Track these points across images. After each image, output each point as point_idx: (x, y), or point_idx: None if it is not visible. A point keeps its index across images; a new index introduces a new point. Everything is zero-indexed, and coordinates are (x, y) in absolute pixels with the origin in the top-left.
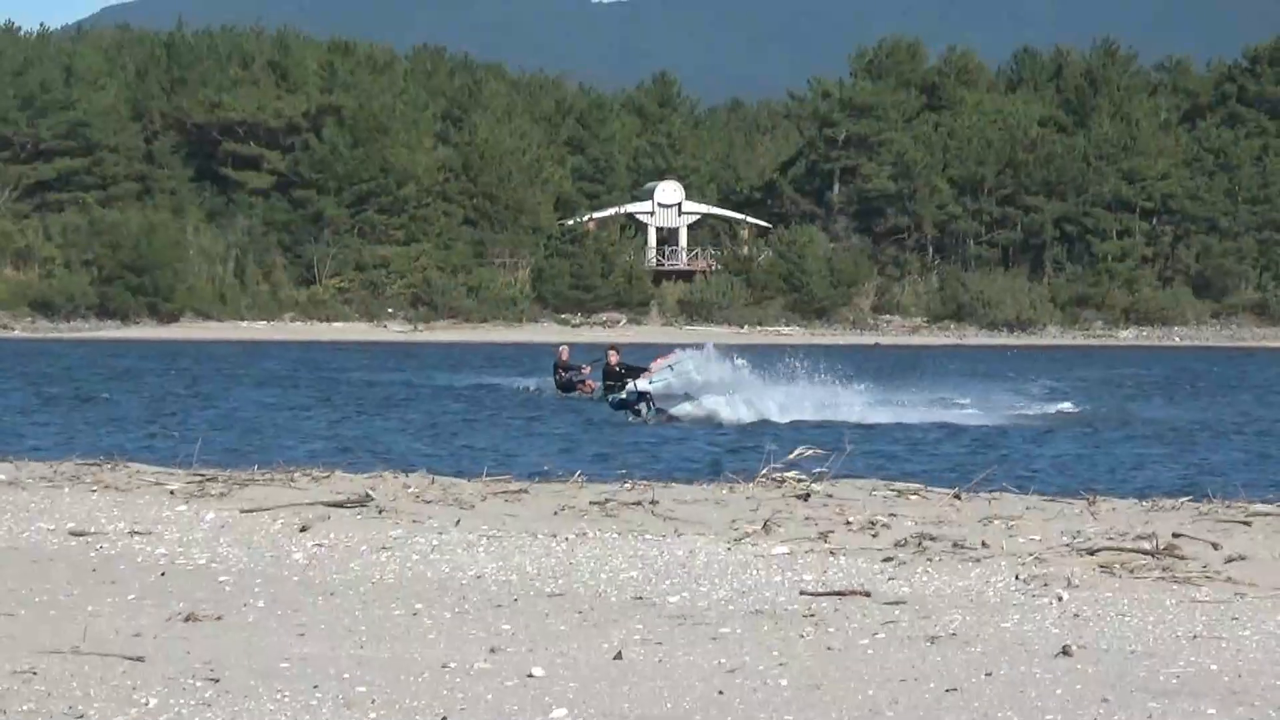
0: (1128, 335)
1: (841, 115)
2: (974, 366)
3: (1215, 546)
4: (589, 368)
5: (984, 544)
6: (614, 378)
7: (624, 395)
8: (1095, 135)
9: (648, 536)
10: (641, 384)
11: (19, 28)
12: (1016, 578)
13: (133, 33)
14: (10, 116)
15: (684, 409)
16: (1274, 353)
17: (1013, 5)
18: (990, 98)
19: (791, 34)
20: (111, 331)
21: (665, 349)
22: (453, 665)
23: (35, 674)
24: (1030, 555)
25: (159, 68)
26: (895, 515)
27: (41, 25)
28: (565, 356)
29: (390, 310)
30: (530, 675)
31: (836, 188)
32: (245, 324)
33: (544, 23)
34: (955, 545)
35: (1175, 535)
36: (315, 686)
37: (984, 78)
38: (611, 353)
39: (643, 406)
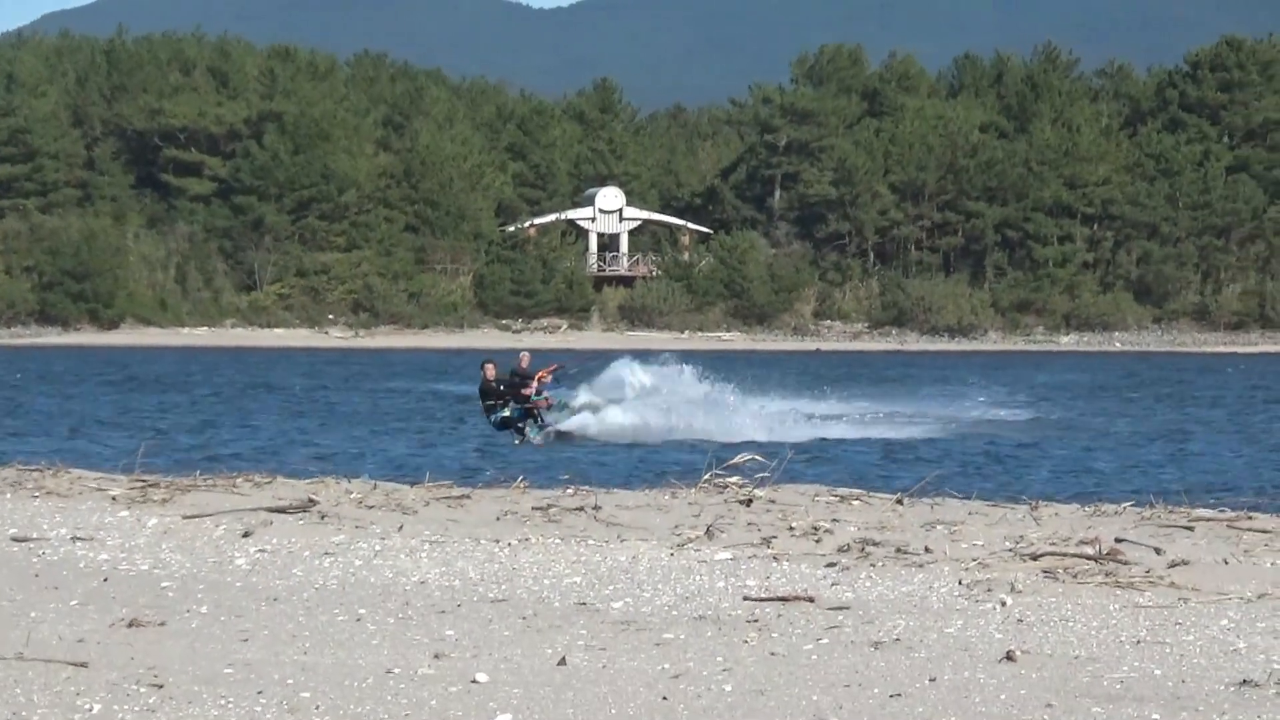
0: (1068, 341)
1: (783, 121)
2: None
3: (1158, 551)
4: (548, 374)
5: (927, 549)
6: (496, 395)
7: (508, 413)
8: (1036, 141)
9: (590, 542)
10: (553, 405)
11: None
12: (960, 583)
13: (74, 39)
14: None
15: (576, 422)
16: (1214, 358)
17: (954, 12)
18: (931, 104)
19: (732, 40)
20: (52, 338)
21: (582, 358)
22: (397, 671)
23: None
24: (973, 560)
25: (100, 74)
26: (838, 521)
27: None
28: (525, 364)
29: (331, 316)
30: (474, 681)
31: (778, 194)
32: (186, 330)
33: (484, 29)
34: (898, 550)
35: (1118, 540)
36: (259, 692)
37: (925, 84)
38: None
39: (527, 425)
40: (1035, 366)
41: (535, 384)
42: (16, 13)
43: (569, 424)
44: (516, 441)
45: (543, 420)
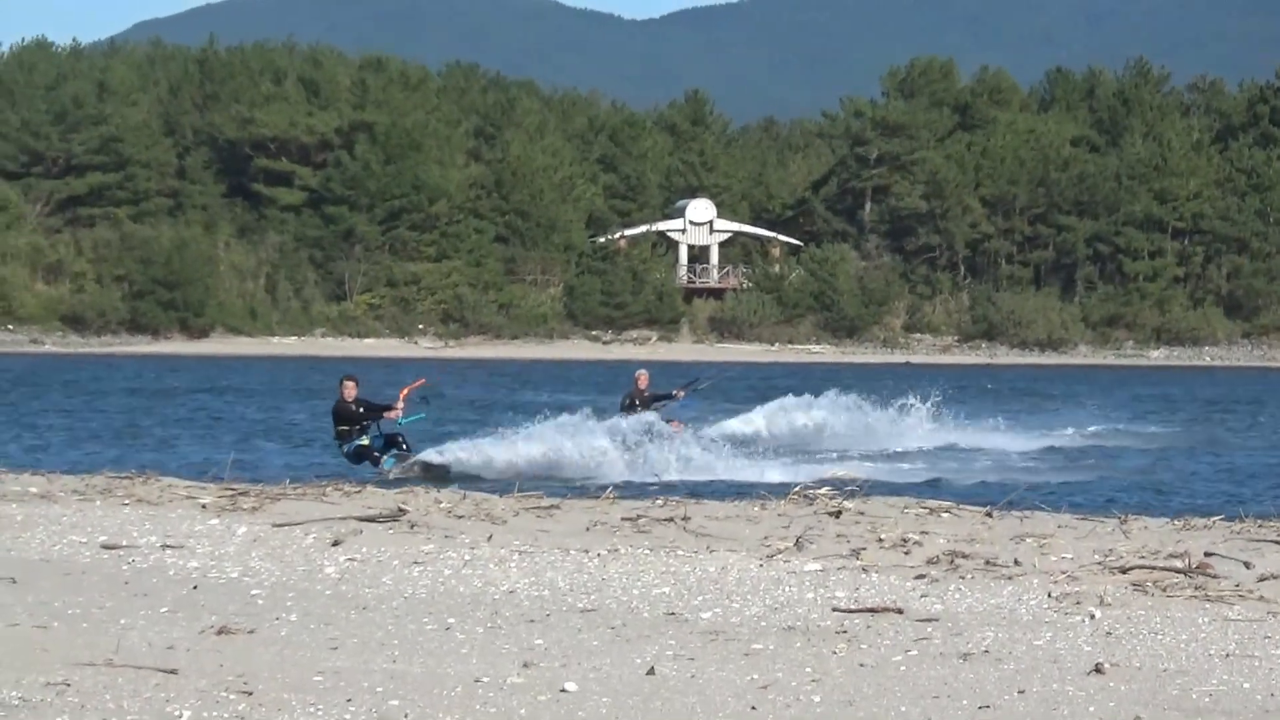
0: (1158, 355)
1: (874, 134)
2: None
3: (1247, 565)
4: (682, 392)
5: (1016, 562)
6: (354, 419)
7: (366, 441)
8: (1127, 155)
9: (680, 552)
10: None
11: (52, 43)
12: (1049, 595)
13: (166, 48)
14: (43, 131)
15: (453, 453)
16: None
17: (1045, 26)
18: (1023, 117)
19: (823, 53)
20: (142, 346)
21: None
22: (486, 680)
23: (69, 685)
24: (1062, 573)
25: (191, 83)
26: (927, 533)
27: (74, 40)
28: (644, 384)
29: (421, 327)
30: (563, 690)
31: (868, 206)
32: (276, 340)
33: (575, 40)
34: (987, 563)
35: (1207, 554)
36: (349, 700)
37: (1016, 97)
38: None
39: (387, 457)
40: (1126, 381)
41: (400, 405)
42: (109, 21)
43: (440, 457)
44: (380, 472)
45: (407, 447)
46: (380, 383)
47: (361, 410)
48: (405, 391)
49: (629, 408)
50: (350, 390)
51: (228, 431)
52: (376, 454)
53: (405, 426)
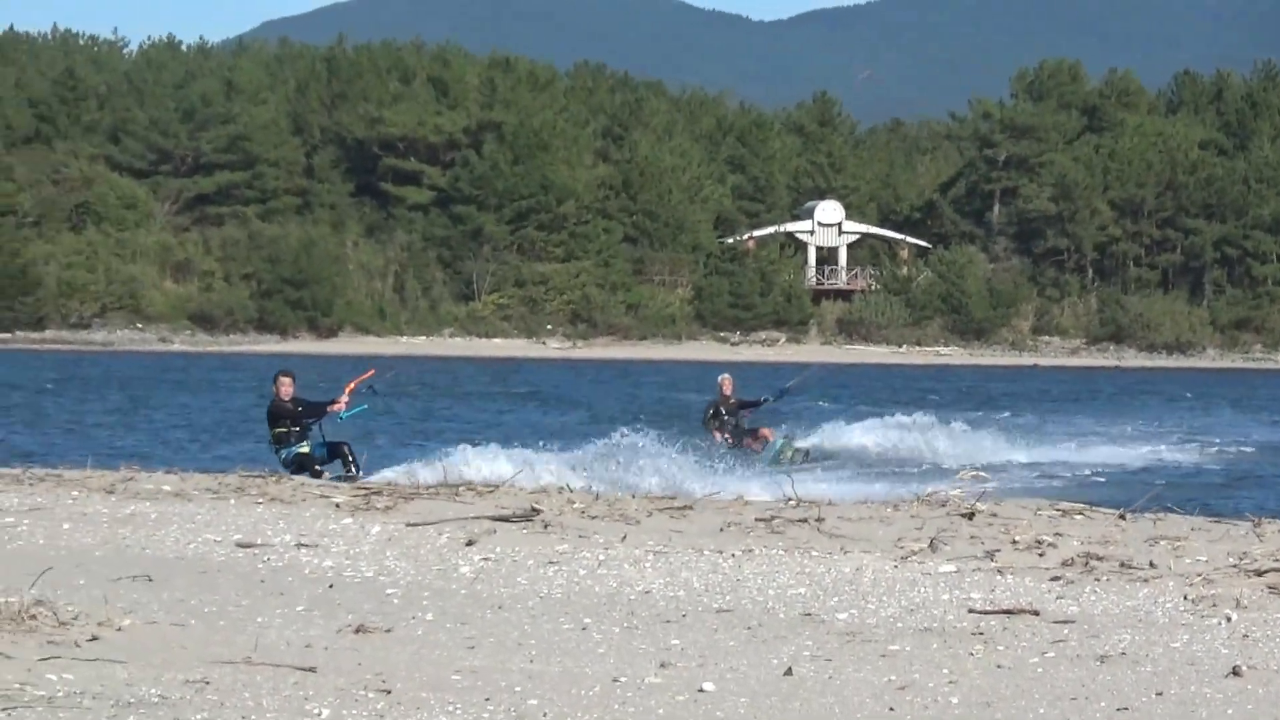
0: None
1: (1002, 136)
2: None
3: None
4: (770, 399)
5: (1151, 564)
6: (292, 419)
7: (305, 448)
8: (1255, 158)
9: (814, 553)
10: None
11: (180, 41)
12: (1185, 598)
13: (293, 47)
14: (171, 130)
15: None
16: None
17: (1173, 29)
18: (1151, 120)
19: (951, 55)
20: (270, 346)
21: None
22: (623, 680)
23: (208, 684)
24: (1198, 576)
25: (319, 82)
26: (1061, 535)
27: (202, 39)
28: (729, 390)
29: (549, 327)
30: (701, 690)
31: (996, 208)
32: (404, 339)
33: (703, 41)
34: (1122, 565)
35: None
36: (486, 699)
37: (1144, 100)
38: (724, 380)
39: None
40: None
41: (344, 399)
42: (236, 20)
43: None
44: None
45: (353, 460)
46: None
47: (300, 410)
48: (352, 385)
49: (714, 417)
50: (286, 388)
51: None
52: (318, 465)
53: (346, 420)
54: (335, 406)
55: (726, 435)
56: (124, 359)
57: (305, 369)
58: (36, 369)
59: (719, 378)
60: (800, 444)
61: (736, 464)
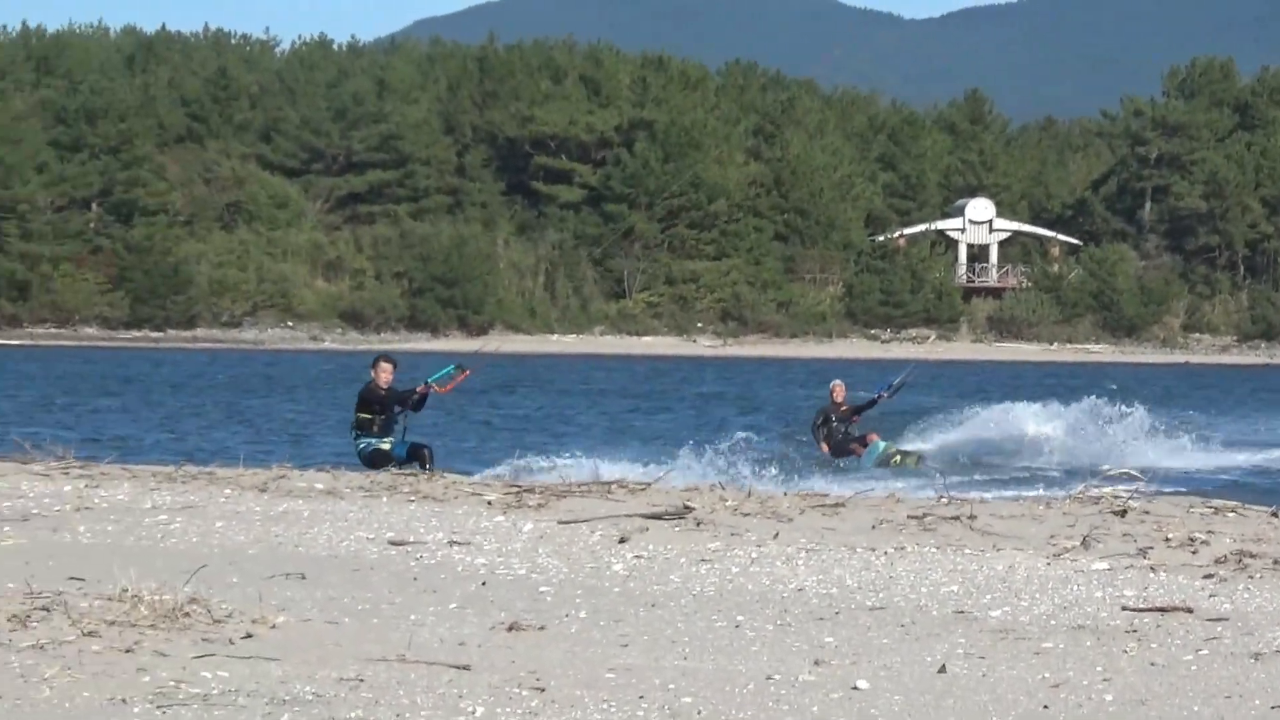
0: None
1: (1154, 134)
2: None
3: None
4: (887, 394)
5: None
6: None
7: (387, 446)
8: None
9: (966, 551)
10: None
11: (332, 40)
12: None
13: (445, 46)
14: (323, 129)
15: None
16: None
17: None
18: None
19: (1102, 52)
20: (421, 344)
21: None
22: (777, 677)
23: (362, 681)
24: None
25: (471, 81)
26: (1213, 532)
27: (354, 38)
28: (840, 397)
29: (700, 325)
30: (855, 688)
31: (1148, 206)
32: (555, 337)
33: (854, 39)
34: (1275, 563)
35: None
36: (640, 697)
37: None
38: (836, 386)
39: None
40: None
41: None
42: (388, 19)
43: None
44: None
45: (430, 462)
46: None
47: (390, 397)
48: (448, 387)
49: (824, 424)
50: (385, 374)
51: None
52: (394, 467)
53: (434, 383)
54: (422, 389)
55: (825, 444)
56: (281, 358)
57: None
58: (199, 367)
59: (831, 384)
60: (908, 448)
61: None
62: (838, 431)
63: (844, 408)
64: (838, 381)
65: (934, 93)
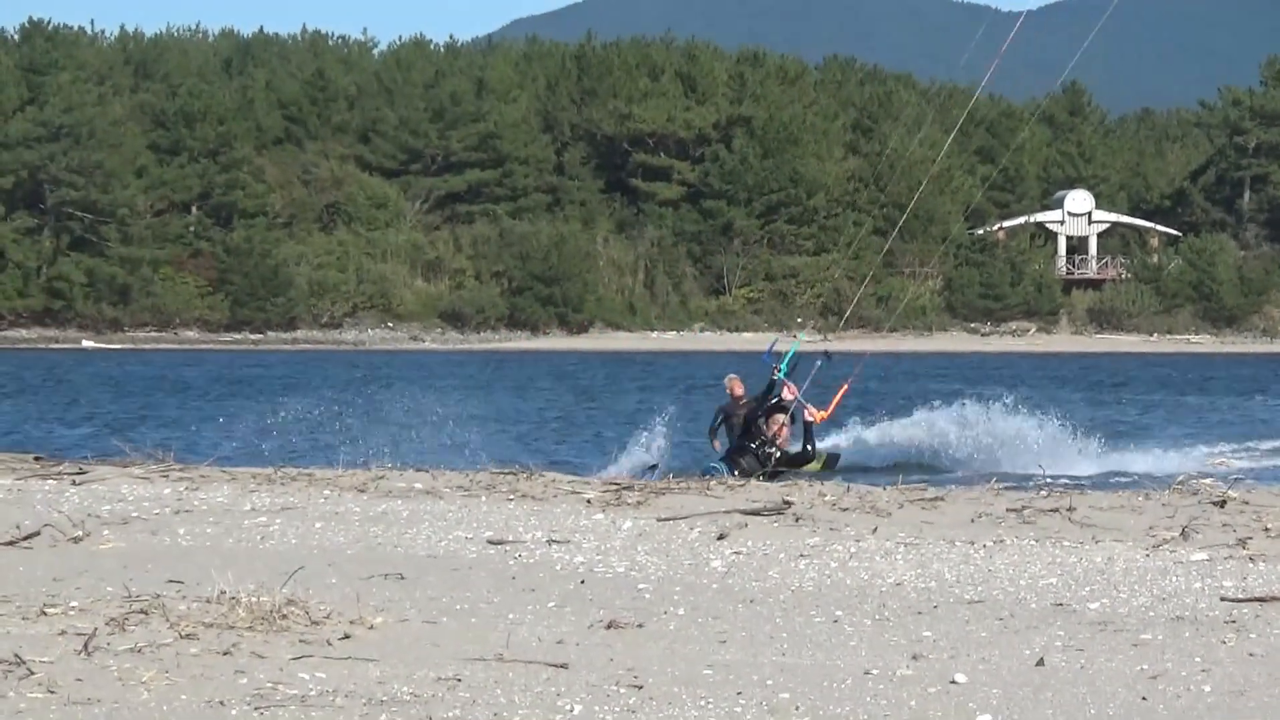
0: None
1: (1252, 123)
2: None
3: None
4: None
5: None
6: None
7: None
8: None
9: (1065, 543)
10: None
11: (429, 41)
12: None
13: (542, 45)
14: (421, 129)
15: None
16: None
17: None
18: None
19: (1201, 43)
20: (522, 342)
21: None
22: (875, 672)
23: (460, 680)
24: None
25: (569, 79)
26: None
27: (451, 38)
28: (739, 391)
29: (799, 319)
30: (953, 682)
31: (1247, 195)
32: (655, 334)
33: (950, 31)
34: None
35: None
36: (738, 693)
37: None
38: (732, 381)
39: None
40: None
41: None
42: (486, 19)
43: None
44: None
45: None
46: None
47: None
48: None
49: (724, 422)
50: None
51: None
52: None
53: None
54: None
55: (716, 443)
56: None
57: (554, 363)
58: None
59: (726, 379)
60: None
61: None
62: (736, 429)
63: (743, 402)
64: (733, 375)
65: (1033, 85)
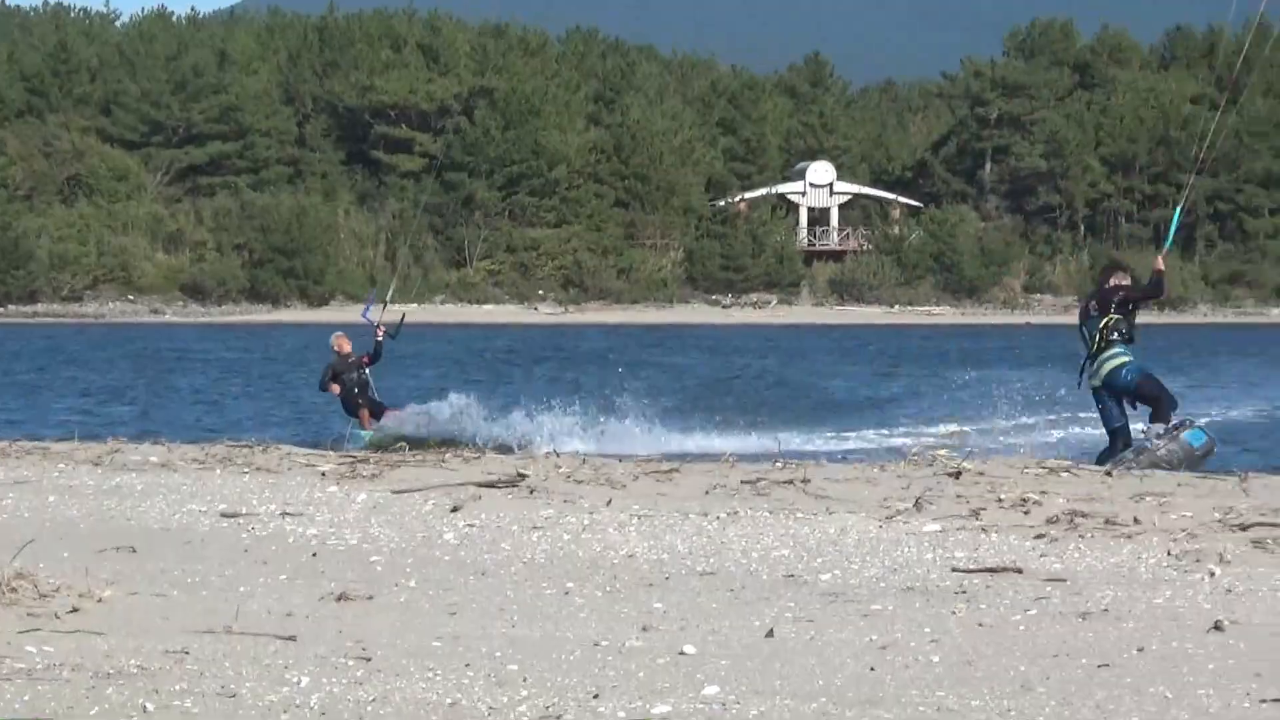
0: (1279, 313)
1: (994, 94)
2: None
3: None
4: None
5: (1135, 520)
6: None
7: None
8: (1248, 113)
9: (799, 515)
10: None
11: (171, 12)
12: (1168, 554)
13: (284, 16)
14: (163, 101)
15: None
16: None
17: None
18: (1142, 76)
19: (944, 13)
20: (262, 315)
21: None
22: (604, 643)
23: (187, 653)
24: (1182, 531)
25: (311, 51)
26: (1046, 493)
27: (193, 10)
28: (347, 348)
29: (541, 292)
30: (682, 653)
31: (988, 167)
32: (395, 307)
33: (695, 4)
34: (1107, 522)
35: None
36: (467, 665)
37: (1136, 56)
38: (339, 338)
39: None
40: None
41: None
42: None
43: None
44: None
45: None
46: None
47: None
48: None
49: (335, 379)
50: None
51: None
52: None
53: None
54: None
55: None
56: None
57: (298, 338)
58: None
59: (332, 336)
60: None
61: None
62: (350, 384)
63: (352, 359)
64: (339, 333)
65: (776, 57)
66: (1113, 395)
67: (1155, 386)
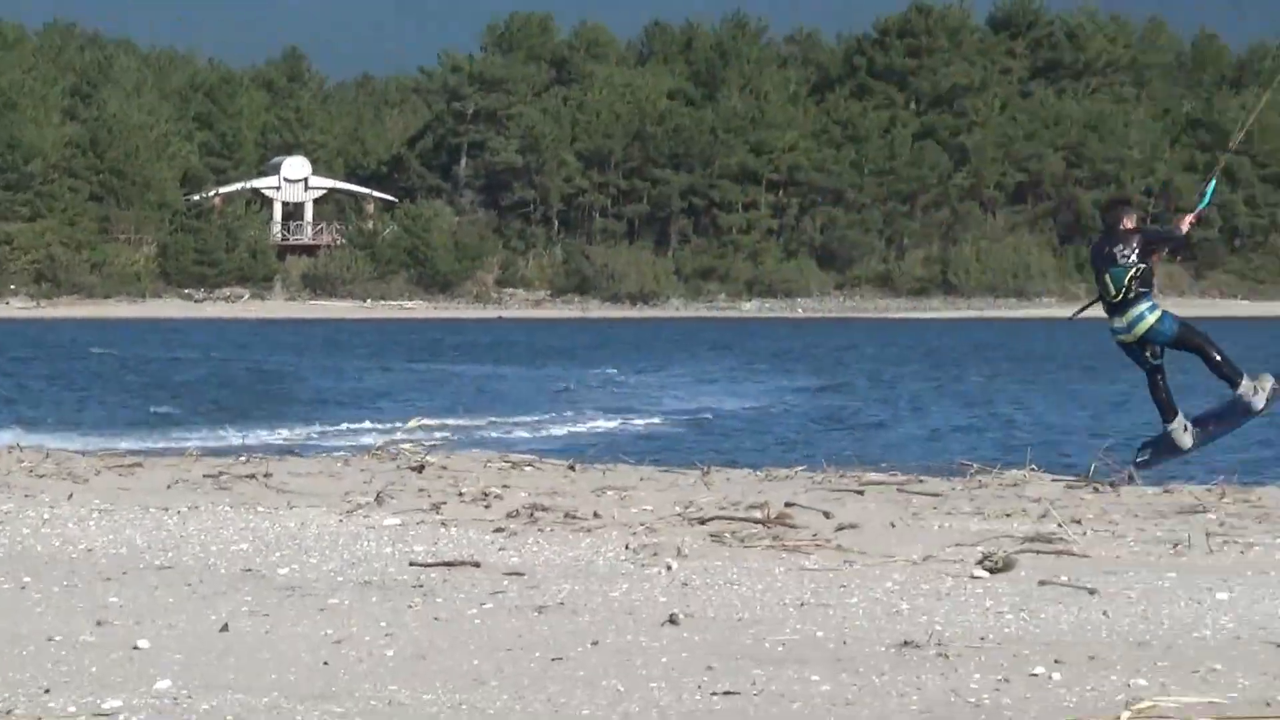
0: (750, 307)
1: (471, 89)
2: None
3: (827, 515)
4: None
5: (596, 514)
6: None
7: None
8: (724, 108)
9: (260, 509)
10: None
11: None
12: (627, 547)
13: None
14: None
15: None
16: (897, 324)
17: None
18: (620, 71)
19: (424, 8)
20: None
21: None
22: (58, 638)
23: None
24: (642, 525)
25: None
26: (509, 486)
27: None
28: None
29: (13, 287)
30: (136, 647)
31: (464, 161)
32: None
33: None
34: (567, 515)
35: (788, 504)
36: None
37: (614, 51)
38: None
39: None
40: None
41: None
42: None
43: None
44: None
45: None
46: None
47: None
48: None
49: None
50: None
51: None
52: None
53: None
54: None
55: None
56: None
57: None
58: None
59: None
60: None
61: None
62: None
63: None
64: None
65: (255, 52)
66: (1145, 347)
67: (1192, 331)
